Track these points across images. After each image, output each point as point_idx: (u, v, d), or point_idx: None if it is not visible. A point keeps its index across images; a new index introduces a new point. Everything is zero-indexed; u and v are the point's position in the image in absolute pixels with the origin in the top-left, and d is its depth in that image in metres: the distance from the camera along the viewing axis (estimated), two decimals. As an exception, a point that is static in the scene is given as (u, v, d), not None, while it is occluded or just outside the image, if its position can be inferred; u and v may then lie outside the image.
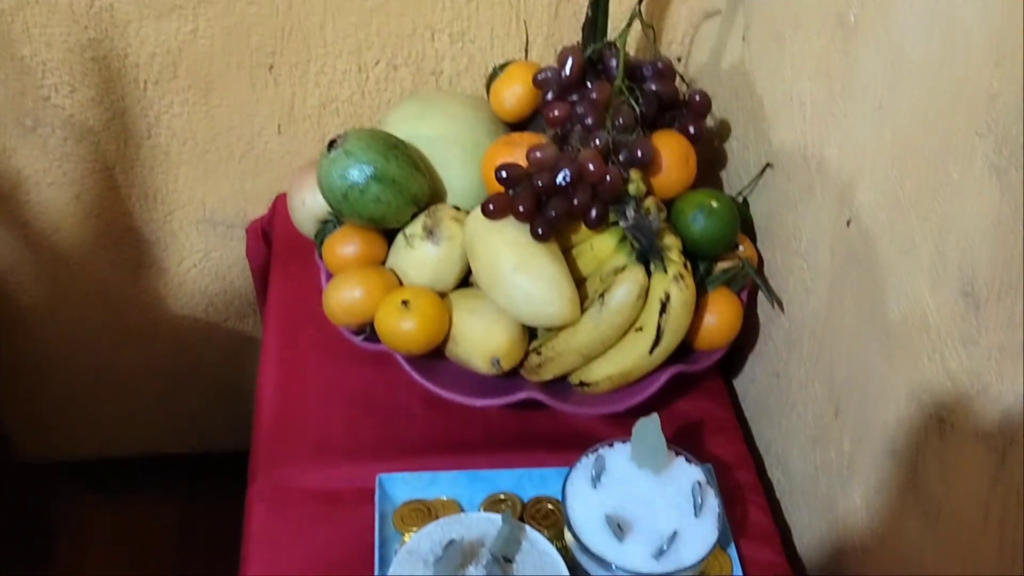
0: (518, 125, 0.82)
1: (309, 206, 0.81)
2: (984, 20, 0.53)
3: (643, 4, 0.76)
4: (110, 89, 0.88)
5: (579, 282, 0.74)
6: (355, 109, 0.94)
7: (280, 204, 0.96)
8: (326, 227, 0.80)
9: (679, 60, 0.93)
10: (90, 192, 0.96)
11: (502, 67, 0.83)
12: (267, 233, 0.99)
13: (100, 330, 1.09)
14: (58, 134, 0.91)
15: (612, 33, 0.79)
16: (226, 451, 1.05)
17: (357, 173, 0.72)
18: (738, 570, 0.71)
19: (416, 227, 0.75)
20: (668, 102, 0.76)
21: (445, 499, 0.73)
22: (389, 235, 0.79)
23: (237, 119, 0.93)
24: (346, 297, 0.74)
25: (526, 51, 0.89)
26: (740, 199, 0.82)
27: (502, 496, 0.74)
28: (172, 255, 1.04)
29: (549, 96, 0.75)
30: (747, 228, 0.82)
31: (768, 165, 0.79)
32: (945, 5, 0.56)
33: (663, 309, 0.70)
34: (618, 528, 0.63)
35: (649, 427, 0.66)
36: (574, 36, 0.91)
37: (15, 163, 0.93)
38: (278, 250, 0.93)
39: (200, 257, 1.04)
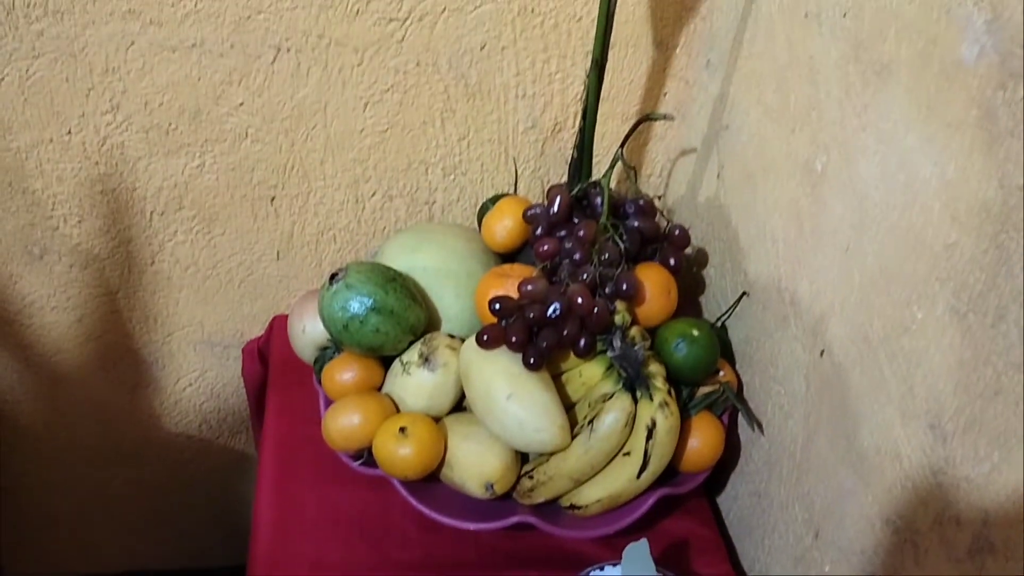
0: (508, 255, 0.87)
1: (309, 333, 0.84)
2: (940, 175, 0.58)
3: (624, 147, 0.82)
4: (117, 219, 0.93)
5: (568, 407, 0.77)
6: (351, 237, 0.98)
7: (277, 325, 1.00)
8: (325, 354, 0.83)
9: (659, 198, 0.99)
10: (92, 316, 0.99)
11: (493, 201, 0.88)
12: (263, 353, 1.02)
13: (95, 448, 1.11)
14: (64, 261, 0.95)
15: (596, 172, 0.85)
16: (218, 567, 1.06)
17: (357, 305, 0.76)
18: None
19: (413, 355, 0.79)
20: (650, 237, 0.81)
21: (440, 622, 0.75)
22: (386, 361, 0.82)
23: (238, 247, 0.97)
24: (345, 424, 0.77)
25: (515, 186, 0.95)
26: (719, 324, 0.87)
27: (496, 619, 0.75)
28: (169, 375, 1.06)
29: (539, 231, 0.80)
30: (727, 352, 0.86)
31: (744, 294, 0.84)
32: (904, 159, 0.62)
33: (649, 435, 0.73)
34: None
35: (639, 551, 0.68)
36: (558, 169, 0.97)
37: (20, 288, 0.96)
38: (275, 372, 0.95)
39: (196, 376, 1.07)
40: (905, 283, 0.62)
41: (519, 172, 0.96)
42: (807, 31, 0.73)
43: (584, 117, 0.80)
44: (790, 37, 0.76)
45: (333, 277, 0.78)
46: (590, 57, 0.78)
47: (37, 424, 1.07)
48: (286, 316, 0.98)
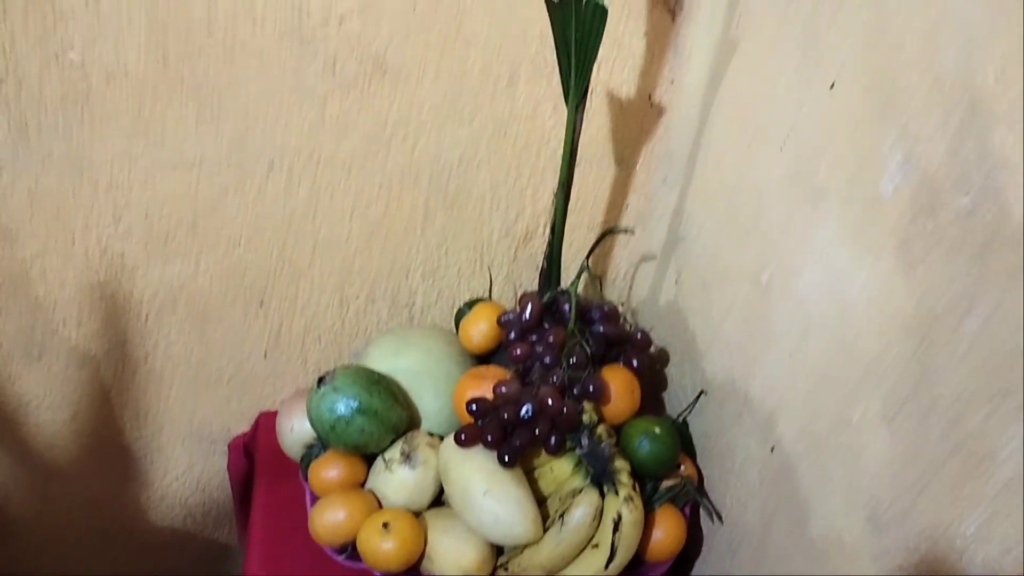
0: (483, 357, 0.93)
1: (297, 432, 0.89)
2: (868, 293, 0.66)
3: (590, 257, 0.90)
4: (114, 322, 0.98)
5: (540, 502, 0.82)
6: (335, 337, 1.04)
7: (263, 421, 1.05)
8: (311, 451, 0.88)
9: (622, 305, 1.06)
10: (86, 413, 1.03)
11: (469, 305, 0.95)
12: (248, 449, 1.06)
13: (82, 538, 1.14)
14: (61, 362, 0.99)
15: (565, 277, 0.92)
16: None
17: (344, 407, 0.81)
18: None
19: (395, 452, 0.84)
20: (614, 340, 0.88)
21: None
22: (369, 458, 0.87)
23: (228, 346, 1.03)
24: (330, 519, 0.82)
25: (490, 291, 1.02)
26: (680, 421, 0.93)
27: None
28: (157, 468, 1.10)
29: (512, 336, 0.86)
30: (687, 447, 0.92)
31: (702, 392, 0.90)
32: (838, 276, 0.69)
33: (616, 528, 0.79)
34: None
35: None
36: (530, 274, 1.04)
37: (18, 389, 1.00)
38: (262, 467, 1.00)
39: (183, 470, 1.11)
40: (843, 386, 0.69)
41: (493, 276, 1.03)
42: (751, 157, 0.81)
43: (553, 231, 0.87)
44: (737, 161, 0.84)
45: (321, 380, 0.83)
46: (558, 174, 0.86)
47: (28, 514, 1.10)
48: (272, 412, 1.03)
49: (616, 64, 0.92)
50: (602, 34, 0.73)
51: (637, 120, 0.96)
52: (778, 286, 0.78)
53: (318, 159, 0.92)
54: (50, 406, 1.02)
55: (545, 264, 0.89)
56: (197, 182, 0.91)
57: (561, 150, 0.85)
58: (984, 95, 0.55)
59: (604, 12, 0.71)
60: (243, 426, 1.08)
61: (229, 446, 1.08)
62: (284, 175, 0.93)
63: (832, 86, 0.68)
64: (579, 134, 0.81)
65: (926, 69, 0.59)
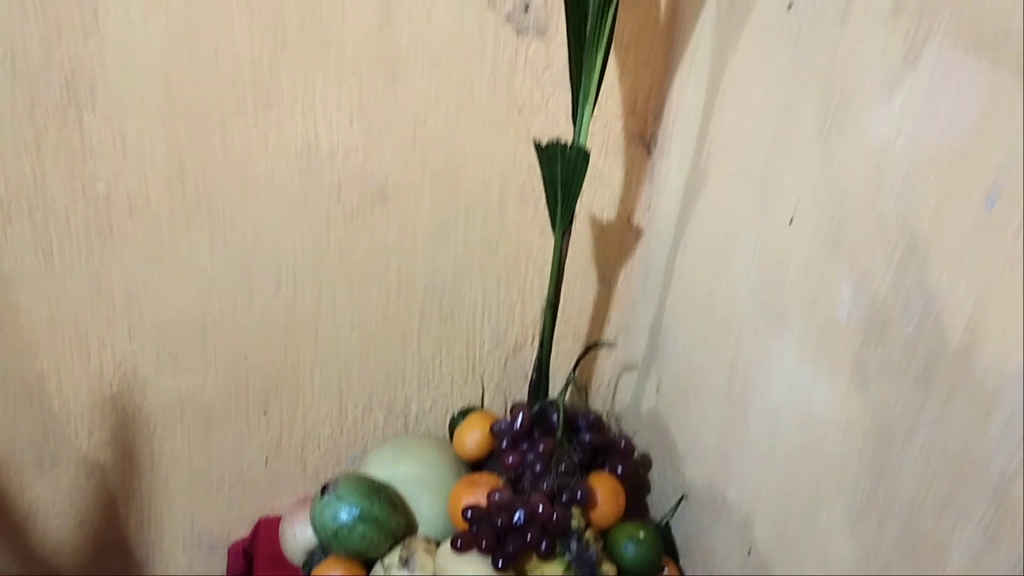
0: (477, 464, 0.98)
1: (299, 538, 0.94)
2: (829, 407, 0.72)
3: (576, 369, 0.96)
4: (123, 432, 1.03)
5: (532, 604, 0.87)
6: (334, 445, 1.09)
7: (263, 527, 1.09)
8: (313, 557, 0.93)
9: (606, 414, 1.12)
10: (92, 519, 1.07)
11: (462, 414, 1.01)
12: (248, 553, 1.10)
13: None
14: (71, 471, 1.04)
15: (553, 385, 0.98)
16: None
17: (346, 515, 0.86)
18: None
19: (393, 558, 0.89)
20: (600, 448, 0.94)
21: None
22: (369, 563, 0.92)
23: (230, 453, 1.07)
24: (332, 622, 0.86)
25: (482, 400, 1.08)
26: (663, 524, 0.98)
27: None
28: (157, 571, 1.13)
29: (504, 444, 0.92)
30: (671, 549, 0.97)
31: (684, 497, 0.96)
32: (802, 389, 0.76)
33: (604, 628, 0.83)
34: None
35: None
36: (519, 382, 1.10)
37: (28, 497, 1.04)
38: (261, 572, 1.03)
39: (183, 573, 1.14)
40: (810, 491, 0.75)
41: (484, 385, 1.09)
42: (721, 278, 0.89)
43: (541, 345, 0.94)
44: (709, 280, 0.92)
45: (324, 489, 0.88)
46: (545, 289, 0.93)
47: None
48: (272, 518, 1.08)
49: (598, 192, 1.01)
50: (585, 173, 0.81)
51: (618, 241, 1.04)
52: (749, 396, 0.84)
53: (322, 277, 1.00)
54: (58, 513, 1.06)
55: (534, 375, 0.96)
56: (208, 299, 0.98)
57: (547, 267, 0.92)
58: (920, 236, 0.63)
59: (587, 155, 0.80)
60: (243, 531, 1.12)
61: (229, 551, 1.12)
62: (290, 292, 1.00)
63: (791, 221, 0.76)
64: (565, 257, 0.89)
65: (870, 211, 0.67)
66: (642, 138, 0.99)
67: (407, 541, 0.90)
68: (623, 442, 0.95)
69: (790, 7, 0.76)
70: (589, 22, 0.77)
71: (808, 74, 0.73)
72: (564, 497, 0.88)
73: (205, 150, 0.90)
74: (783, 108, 0.77)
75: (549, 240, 1.00)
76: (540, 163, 0.82)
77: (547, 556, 0.86)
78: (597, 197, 1.01)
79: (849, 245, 0.70)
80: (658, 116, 0.99)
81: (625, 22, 0.93)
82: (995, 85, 0.55)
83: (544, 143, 0.80)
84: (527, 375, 1.07)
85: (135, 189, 0.90)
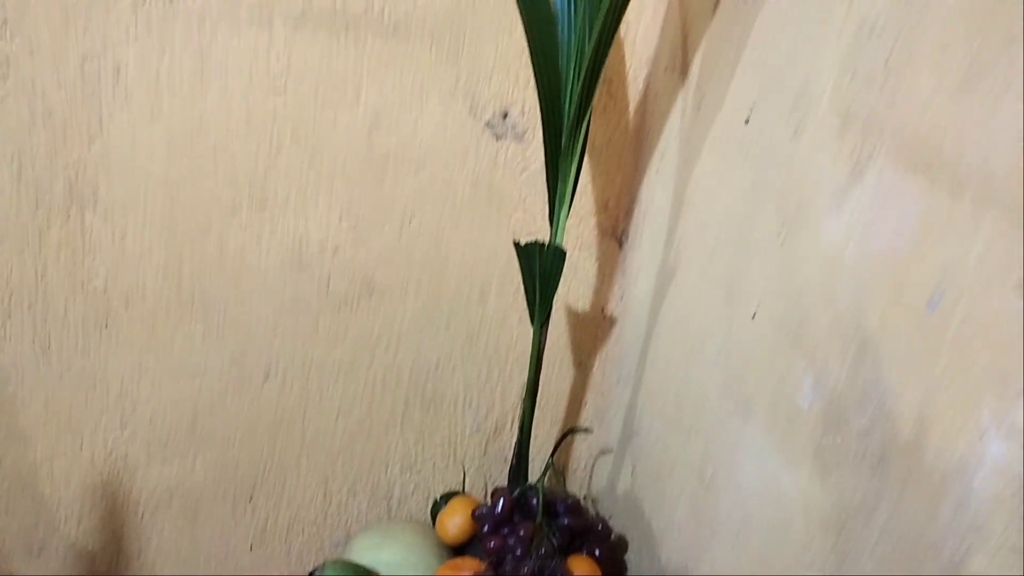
0: (459, 548, 1.01)
1: (285, 624, 0.96)
2: (795, 492, 0.77)
3: (554, 454, 1.00)
4: (112, 519, 1.05)
5: None
6: (318, 530, 1.12)
7: (246, 612, 1.10)
8: (299, 642, 0.95)
9: (584, 498, 1.16)
10: (77, 607, 1.08)
11: (444, 499, 1.04)
12: (231, 639, 1.11)
13: None
14: (60, 557, 1.05)
15: (533, 468, 1.02)
16: None
17: (333, 600, 0.89)
18: None
19: (378, 642, 0.91)
20: (579, 531, 0.97)
21: None
22: (353, 648, 0.94)
23: (216, 539, 1.09)
24: None
25: (463, 484, 1.11)
26: (640, 604, 1.01)
27: None
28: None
29: (486, 529, 0.95)
30: (648, 630, 1.00)
31: (659, 578, 0.99)
32: (769, 475, 0.80)
33: None
34: None
35: None
36: (499, 466, 1.14)
37: (15, 584, 1.06)
38: (246, 658, 1.05)
39: (166, 662, 1.15)
40: (780, 572, 0.79)
41: (465, 469, 1.13)
42: (690, 366, 0.94)
43: (521, 430, 0.98)
44: (679, 367, 0.97)
45: (312, 574, 0.91)
46: (525, 375, 0.97)
47: None
48: (257, 603, 1.09)
49: (573, 283, 1.06)
50: (562, 271, 0.86)
51: (593, 329, 1.10)
52: (720, 480, 0.89)
53: (309, 366, 1.03)
54: (44, 601, 1.07)
55: (514, 460, 0.99)
56: (199, 389, 1.01)
57: (526, 354, 0.97)
58: (872, 335, 0.68)
59: (563, 254, 0.85)
60: (227, 616, 1.14)
61: (212, 637, 1.13)
62: (278, 381, 1.03)
63: (754, 316, 0.82)
64: (543, 348, 0.94)
65: (826, 310, 0.73)
66: (614, 233, 1.05)
67: (392, 626, 0.93)
68: (600, 525, 0.98)
69: (747, 121, 0.83)
70: (564, 133, 0.84)
71: (765, 182, 0.80)
72: (544, 580, 0.91)
73: (201, 248, 0.95)
74: (744, 212, 0.83)
75: (528, 329, 1.05)
76: (520, 260, 0.87)
77: (529, 639, 0.88)
78: (572, 288, 1.07)
79: (808, 341, 0.75)
80: (629, 213, 1.05)
81: (597, 128, 1.00)
82: (931, 202, 0.61)
83: (524, 242, 0.86)
84: (507, 459, 1.11)
85: (132, 284, 0.95)
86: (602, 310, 1.09)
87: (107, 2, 0.85)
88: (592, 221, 1.05)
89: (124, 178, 0.91)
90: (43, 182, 0.89)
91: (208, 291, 0.97)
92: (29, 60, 0.85)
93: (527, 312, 0.94)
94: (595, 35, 0.77)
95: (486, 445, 1.13)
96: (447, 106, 0.96)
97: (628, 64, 1.00)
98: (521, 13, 0.80)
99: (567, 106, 0.83)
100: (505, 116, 0.97)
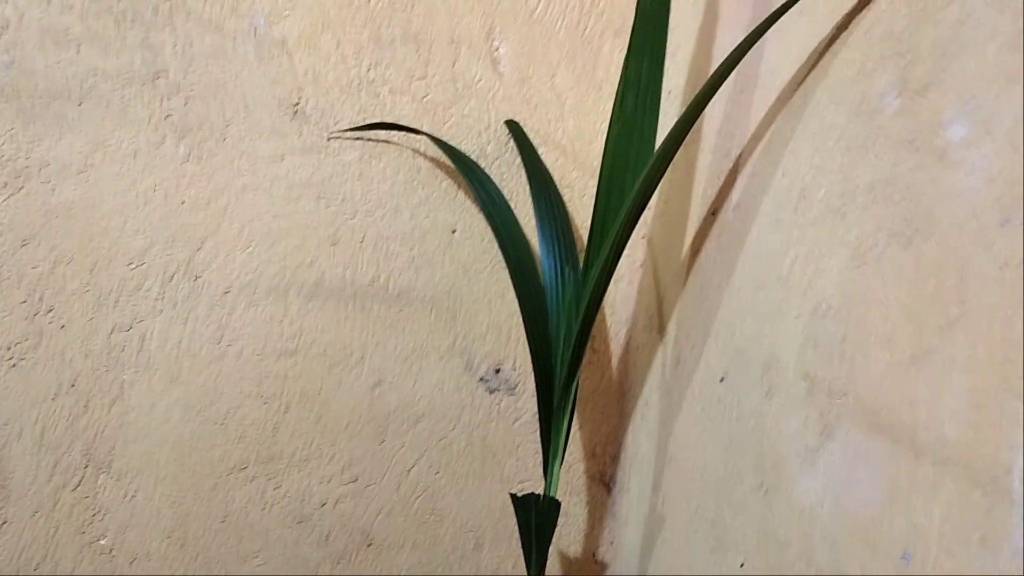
0: None
1: None
2: None
3: None
4: None
5: None
6: None
7: None
8: None
9: None
10: None
11: None
12: None
13: None
14: None
15: None
16: None
17: None
18: None
19: None
20: None
21: None
22: None
23: None
24: None
25: None
26: None
27: None
28: None
29: None
30: None
31: None
32: None
33: None
34: None
35: None
36: None
37: None
38: None
39: None
40: None
41: None
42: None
43: None
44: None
45: None
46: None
47: None
48: None
49: (564, 528, 1.10)
50: (556, 521, 0.91)
51: (585, 575, 1.12)
52: None
53: (306, 620, 1.04)
54: None
55: None
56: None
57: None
58: None
59: (558, 505, 0.90)
60: None
61: None
62: (274, 636, 1.04)
63: (742, 565, 0.86)
64: (540, 598, 0.96)
65: (808, 563, 0.77)
66: (602, 479, 1.10)
67: None
68: None
69: (722, 380, 0.91)
70: (556, 392, 0.91)
71: (742, 437, 0.87)
72: None
73: (207, 508, 0.98)
74: (725, 464, 0.89)
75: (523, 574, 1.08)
76: (516, 512, 0.91)
77: None
78: (564, 533, 1.10)
79: (795, 590, 0.79)
80: (616, 459, 1.11)
81: (583, 380, 1.08)
82: (896, 464, 0.68)
83: (519, 494, 0.91)
84: None
85: (137, 544, 0.97)
86: (593, 555, 1.12)
87: (138, 280, 0.94)
88: (581, 467, 1.10)
89: (139, 441, 0.96)
90: (63, 445, 0.94)
91: (211, 552, 0.99)
92: (60, 333, 0.93)
93: (522, 560, 0.97)
94: (582, 309, 0.86)
95: None
96: (444, 364, 1.04)
97: (609, 323, 1.09)
98: (515, 286, 0.90)
99: (558, 368, 0.91)
100: (498, 371, 1.05)
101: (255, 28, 0.92)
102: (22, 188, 0.89)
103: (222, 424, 0.98)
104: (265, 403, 0.99)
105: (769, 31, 0.75)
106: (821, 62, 0.78)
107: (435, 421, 1.04)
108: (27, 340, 0.92)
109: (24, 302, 0.91)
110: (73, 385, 0.94)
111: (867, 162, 0.72)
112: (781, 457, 0.81)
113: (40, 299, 0.92)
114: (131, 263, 0.93)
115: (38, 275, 0.91)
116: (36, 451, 0.93)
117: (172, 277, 0.95)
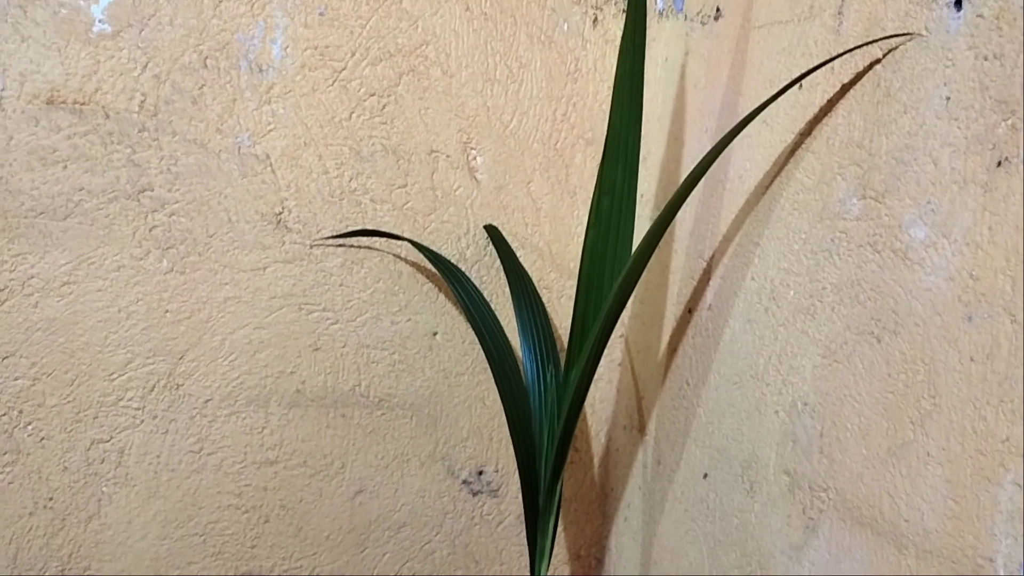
0: None
1: None
2: None
3: None
4: None
5: None
6: None
7: None
8: None
9: None
10: None
11: None
12: None
13: None
14: None
15: None
16: None
17: None
18: None
19: None
20: None
21: None
22: None
23: None
24: None
25: None
26: None
27: None
28: None
29: None
30: None
31: None
32: None
33: None
34: None
35: None
36: None
37: None
38: None
39: None
40: None
41: None
42: None
43: None
44: None
45: None
46: None
47: None
48: None
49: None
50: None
51: None
52: None
53: None
54: None
55: None
56: None
57: None
58: None
59: (546, 612, 0.89)
60: None
61: None
62: None
63: (733, 668, 0.85)
64: None
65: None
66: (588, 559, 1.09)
67: None
68: None
69: (705, 476, 0.92)
70: (542, 494, 0.91)
71: (727, 534, 0.87)
72: None
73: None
74: (711, 566, 0.89)
75: None
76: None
77: None
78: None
79: None
80: (600, 561, 1.10)
81: (565, 482, 1.08)
82: (881, 557, 0.68)
83: (506, 602, 0.90)
84: None
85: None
86: (581, 663, 1.10)
87: (119, 393, 0.94)
88: (566, 570, 1.09)
89: (115, 560, 0.94)
90: (36, 566, 0.92)
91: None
92: (38, 448, 0.92)
93: (509, 670, 0.95)
94: (564, 409, 0.88)
95: None
96: (426, 470, 1.03)
97: (590, 423, 1.10)
98: (498, 388, 0.91)
99: (543, 469, 0.91)
100: (480, 473, 1.05)
101: (239, 146, 0.95)
102: (5, 303, 0.90)
103: (201, 537, 0.96)
104: (245, 514, 0.98)
105: (735, 139, 0.79)
106: (785, 169, 0.82)
107: (417, 528, 1.03)
108: (4, 455, 0.91)
109: (4, 415, 0.90)
110: (50, 499, 0.92)
111: (832, 264, 0.75)
112: (766, 555, 0.81)
113: (19, 413, 0.91)
114: (112, 375, 0.93)
115: (18, 389, 0.91)
116: (10, 571, 0.91)
117: (153, 388, 0.95)
